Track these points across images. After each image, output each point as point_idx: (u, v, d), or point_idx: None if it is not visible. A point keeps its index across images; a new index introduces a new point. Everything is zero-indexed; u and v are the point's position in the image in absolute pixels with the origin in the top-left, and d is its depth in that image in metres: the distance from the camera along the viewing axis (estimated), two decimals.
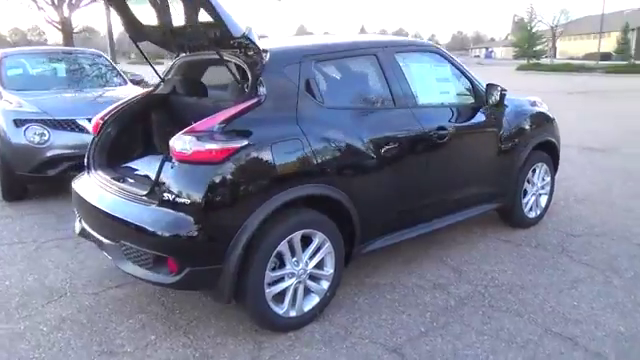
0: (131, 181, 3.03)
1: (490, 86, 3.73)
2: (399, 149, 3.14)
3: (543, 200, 4.53)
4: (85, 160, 3.37)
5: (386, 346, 2.70)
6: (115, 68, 6.84)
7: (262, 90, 2.72)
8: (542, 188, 4.48)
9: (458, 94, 3.76)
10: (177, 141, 2.52)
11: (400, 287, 3.35)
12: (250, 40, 2.67)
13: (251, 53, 2.83)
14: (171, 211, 2.50)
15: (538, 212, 4.48)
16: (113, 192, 2.88)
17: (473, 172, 3.77)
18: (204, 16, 2.72)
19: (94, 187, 3.06)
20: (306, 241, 2.78)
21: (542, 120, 4.32)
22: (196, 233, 2.45)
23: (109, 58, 6.95)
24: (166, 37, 3.33)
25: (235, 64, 2.94)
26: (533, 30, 52.03)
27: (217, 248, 2.49)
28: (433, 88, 3.66)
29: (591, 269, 3.62)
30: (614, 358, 2.60)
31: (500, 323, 2.92)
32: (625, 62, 40.19)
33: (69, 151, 5.10)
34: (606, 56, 47.37)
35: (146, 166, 3.29)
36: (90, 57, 6.85)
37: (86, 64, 6.68)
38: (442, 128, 3.39)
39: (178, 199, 2.47)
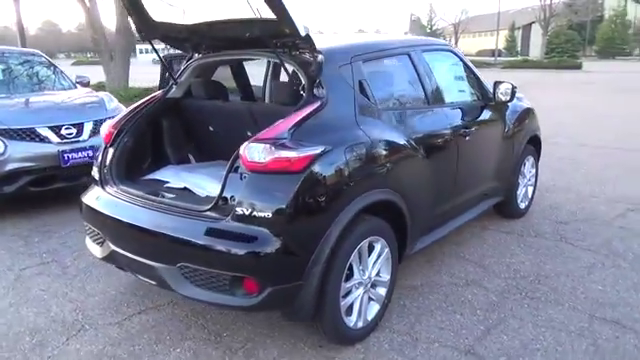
0: (171, 195, 2.74)
1: (497, 83, 3.84)
2: (437, 148, 3.16)
3: (530, 191, 4.77)
4: (96, 173, 3.00)
5: (458, 348, 2.68)
6: (57, 69, 6.18)
7: (322, 92, 2.58)
8: (529, 180, 4.71)
9: (471, 92, 3.83)
10: (249, 150, 2.31)
11: (437, 287, 3.35)
12: (311, 40, 2.51)
13: (306, 53, 2.67)
14: (248, 227, 2.28)
15: (527, 203, 4.71)
16: (157, 209, 2.58)
17: (488, 168, 3.87)
18: (245, 13, 2.53)
19: (124, 204, 2.72)
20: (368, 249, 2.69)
21: (531, 115, 4.53)
22: (278, 249, 2.26)
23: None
24: (182, 35, 3.06)
25: (285, 65, 2.75)
26: (433, 28, 54.91)
27: (299, 263, 2.32)
28: (454, 87, 3.70)
29: (595, 254, 3.86)
30: None
31: (548, 314, 3.01)
32: (515, 58, 43.66)
33: (29, 164, 4.55)
34: (496, 52, 51.08)
35: (174, 177, 3.00)
36: (28, 57, 6.12)
37: (25, 65, 5.97)
38: (466, 126, 3.44)
39: (256, 213, 2.26)
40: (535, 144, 4.65)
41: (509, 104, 4.08)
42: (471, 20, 66.51)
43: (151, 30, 3.06)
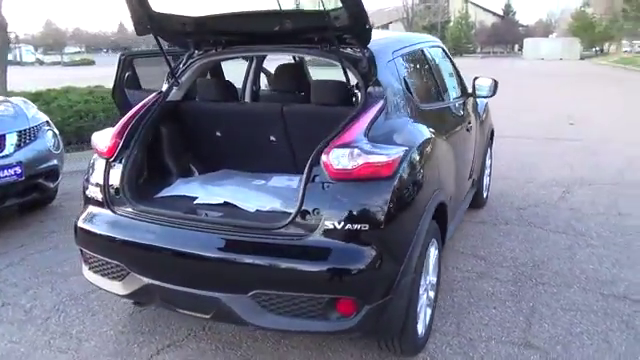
0: (218, 213, 2.35)
1: (477, 78, 3.95)
2: (455, 141, 3.17)
3: (488, 181, 5.01)
4: (98, 193, 2.49)
5: (514, 342, 2.69)
6: None
7: (379, 90, 2.40)
8: (488, 170, 4.95)
9: (456, 87, 3.89)
10: (335, 157, 2.06)
11: (454, 283, 3.35)
12: (370, 33, 2.33)
13: (353, 49, 2.47)
14: (340, 241, 2.04)
15: (487, 192, 4.95)
16: (210, 230, 2.20)
17: (475, 160, 3.97)
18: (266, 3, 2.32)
19: (157, 228, 2.29)
20: None
21: (488, 108, 4.75)
22: (374, 262, 2.05)
23: None
24: (186, 29, 2.68)
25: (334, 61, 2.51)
26: None
27: (391, 275, 2.13)
28: (450, 81, 3.72)
29: (566, 236, 4.16)
30: None
31: (566, 297, 3.16)
32: None
33: None
34: None
35: (201, 191, 2.60)
36: None
37: None
38: (467, 119, 3.50)
39: (349, 226, 2.03)
40: (491, 136, 4.90)
41: (477, 99, 4.23)
42: None
43: (149, 23, 2.62)
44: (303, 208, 2.08)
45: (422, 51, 3.15)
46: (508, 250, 3.89)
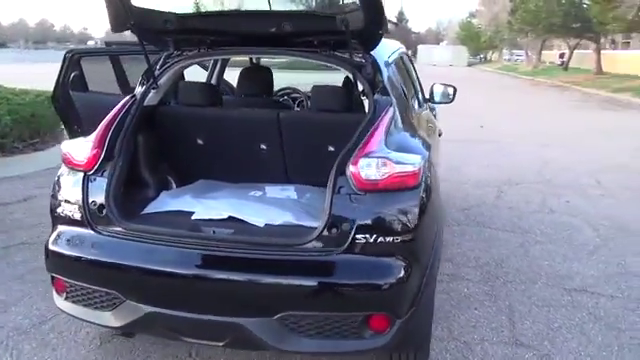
0: (229, 230, 2.14)
1: (435, 85, 4.04)
2: (436, 147, 3.20)
3: None
4: (79, 210, 2.18)
5: (506, 342, 2.77)
6: None
7: (386, 97, 2.35)
8: None
9: (420, 92, 3.95)
10: (364, 167, 1.97)
11: None
12: (380, 38, 2.27)
13: (355, 54, 2.39)
14: (372, 255, 1.95)
15: None
16: (224, 250, 2.00)
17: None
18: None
19: (158, 248, 2.04)
20: None
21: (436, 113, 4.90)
22: (406, 275, 1.99)
23: None
24: (168, 27, 2.45)
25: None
26: None
27: (417, 286, 2.08)
28: (418, 86, 3.75)
29: (514, 234, 4.40)
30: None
31: (535, 293, 3.32)
32: None
33: None
34: None
35: (196, 205, 2.37)
36: None
37: None
38: (437, 125, 3.57)
39: (381, 239, 1.94)
40: None
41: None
42: None
43: (128, 18, 2.35)
44: (330, 221, 1.97)
45: (401, 57, 3.16)
46: (469, 250, 4.02)
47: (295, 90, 4.16)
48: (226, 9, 2.40)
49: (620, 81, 21.34)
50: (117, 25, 2.37)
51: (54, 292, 2.29)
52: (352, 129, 2.29)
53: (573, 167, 6.93)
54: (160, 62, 2.64)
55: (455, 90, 4.02)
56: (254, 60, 3.91)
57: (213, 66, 3.70)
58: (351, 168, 1.99)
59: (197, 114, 2.64)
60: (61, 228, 2.23)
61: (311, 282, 1.93)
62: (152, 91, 2.59)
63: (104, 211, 2.15)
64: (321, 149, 2.50)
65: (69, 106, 3.56)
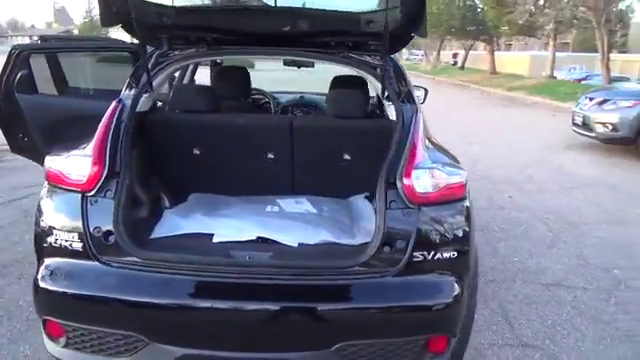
0: (268, 253, 1.89)
1: None
2: None
3: None
4: (79, 239, 1.83)
5: (512, 345, 2.79)
6: None
7: (413, 103, 2.24)
8: None
9: None
10: (419, 179, 1.85)
11: None
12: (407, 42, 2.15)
13: (373, 55, 2.26)
14: (431, 273, 1.83)
15: None
16: (265, 278, 1.76)
17: None
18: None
19: (186, 281, 1.76)
20: None
21: None
22: (462, 291, 1.89)
23: None
24: (163, 22, 2.17)
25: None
26: (95, 19, 50.94)
27: (466, 302, 1.99)
28: None
29: (476, 231, 4.51)
30: None
31: (520, 291, 3.40)
32: None
33: None
34: None
35: (209, 223, 2.10)
36: None
37: None
38: None
39: (439, 255, 1.83)
40: None
41: None
42: None
43: (122, 11, 2.02)
44: (384, 239, 1.82)
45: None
46: None
47: (259, 91, 3.93)
48: (232, 4, 2.14)
49: (511, 80, 23.11)
50: (108, 17, 2.03)
51: (46, 338, 1.91)
52: (372, 136, 2.17)
53: (502, 163, 7.31)
54: (152, 62, 2.31)
55: (426, 92, 4.01)
56: (218, 60, 3.62)
57: (183, 71, 3.35)
58: (405, 181, 1.85)
59: (195, 121, 2.36)
60: (53, 261, 1.86)
61: (370, 306, 1.78)
62: (144, 96, 2.26)
63: (112, 238, 1.82)
64: (336, 157, 2.34)
65: (13, 111, 3.04)
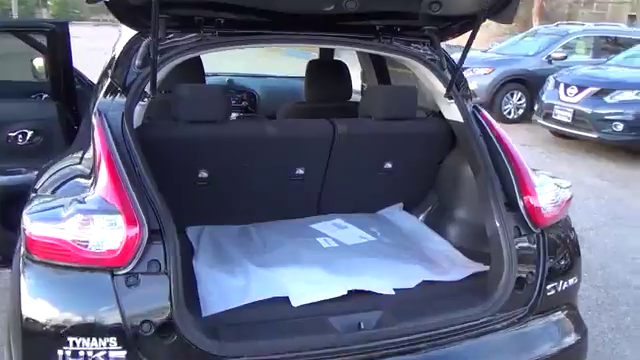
0: (373, 317, 1.49)
1: None
2: None
3: None
4: (120, 343, 1.29)
5: None
6: None
7: (471, 104, 1.93)
8: None
9: None
10: (542, 198, 1.63)
11: None
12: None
13: (434, 47, 1.91)
14: (565, 307, 1.68)
15: None
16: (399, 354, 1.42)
17: None
18: None
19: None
20: None
21: None
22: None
23: None
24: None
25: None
26: None
27: None
28: None
29: None
30: None
31: None
32: None
33: None
34: None
35: (270, 277, 1.61)
36: None
37: None
38: None
39: (565, 284, 1.66)
40: None
41: None
42: None
43: None
44: (517, 275, 1.50)
45: None
46: None
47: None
48: None
49: None
50: None
51: None
52: (423, 139, 1.83)
53: None
54: (141, 53, 1.66)
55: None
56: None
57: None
58: (532, 201, 1.56)
59: (207, 133, 1.81)
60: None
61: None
62: (139, 105, 1.65)
63: (173, 335, 1.25)
64: (376, 167, 2.00)
65: None
